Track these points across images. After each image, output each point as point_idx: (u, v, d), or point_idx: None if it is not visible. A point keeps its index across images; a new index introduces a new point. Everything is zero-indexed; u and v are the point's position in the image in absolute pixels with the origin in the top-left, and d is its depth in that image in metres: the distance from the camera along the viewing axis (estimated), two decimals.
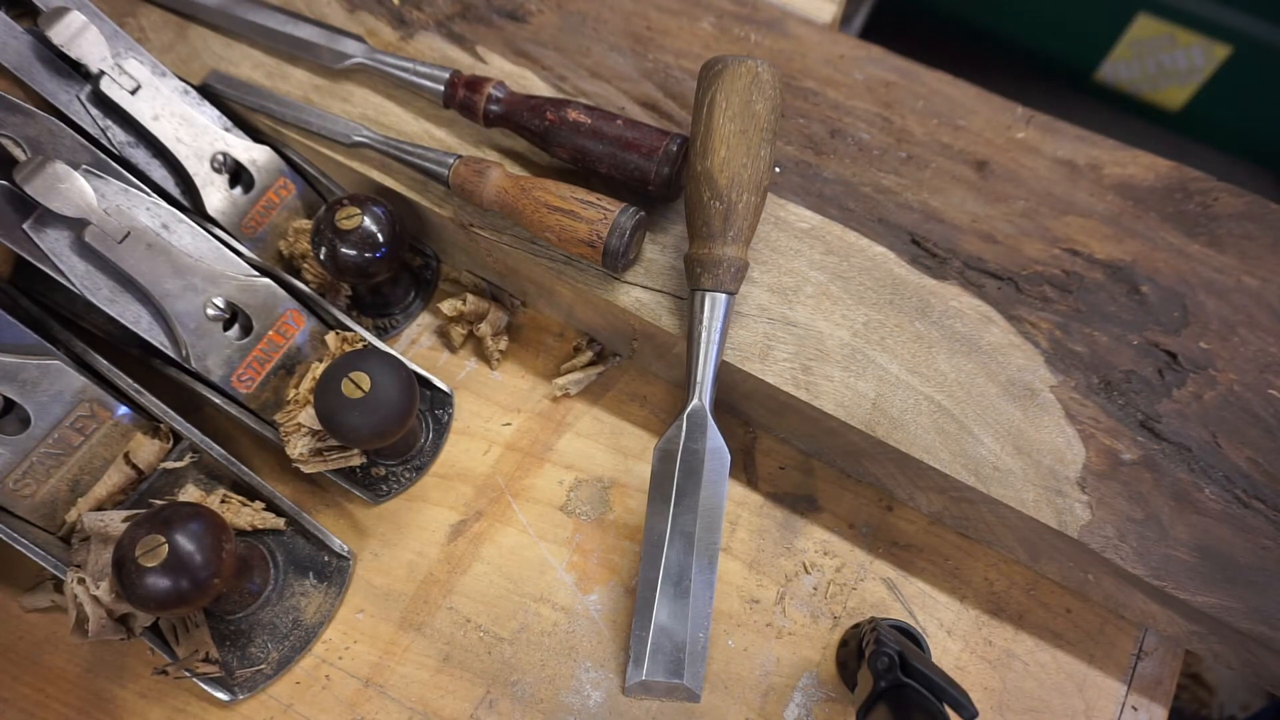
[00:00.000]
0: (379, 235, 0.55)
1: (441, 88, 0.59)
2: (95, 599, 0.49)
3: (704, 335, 0.50)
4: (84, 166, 0.54)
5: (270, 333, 0.56)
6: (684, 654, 0.49)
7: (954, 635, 0.54)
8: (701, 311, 0.50)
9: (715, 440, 0.50)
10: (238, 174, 0.61)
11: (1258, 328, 0.56)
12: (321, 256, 0.56)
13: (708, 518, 0.50)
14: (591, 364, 0.62)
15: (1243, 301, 0.57)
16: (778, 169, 0.61)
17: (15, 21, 0.58)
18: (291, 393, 0.56)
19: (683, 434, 0.50)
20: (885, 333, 0.54)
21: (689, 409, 0.51)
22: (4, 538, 0.50)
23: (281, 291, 0.57)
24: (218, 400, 0.56)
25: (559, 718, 0.52)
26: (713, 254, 0.50)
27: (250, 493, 0.55)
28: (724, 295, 0.50)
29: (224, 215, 0.60)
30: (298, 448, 0.54)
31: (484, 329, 0.62)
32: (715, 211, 0.50)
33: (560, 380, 0.61)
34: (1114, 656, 0.54)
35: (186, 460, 0.55)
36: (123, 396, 0.55)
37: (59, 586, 0.55)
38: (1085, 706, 0.52)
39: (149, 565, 0.45)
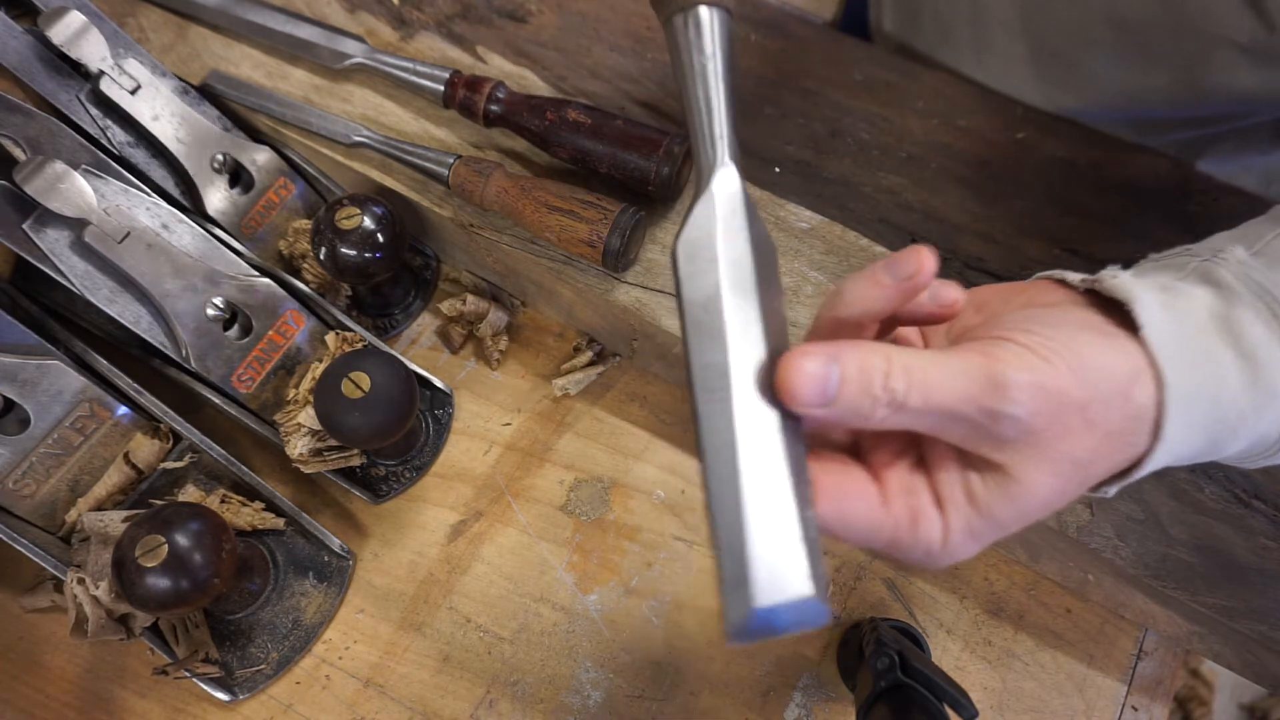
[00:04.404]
0: (379, 235, 0.55)
1: (441, 88, 0.59)
2: (95, 599, 0.49)
3: (706, 67, 0.35)
4: (84, 166, 0.54)
5: (270, 333, 0.56)
6: (804, 550, 0.29)
7: (954, 635, 0.54)
8: (692, 37, 0.35)
9: (758, 224, 0.33)
10: (238, 174, 0.61)
11: None
12: (321, 256, 0.56)
13: (776, 341, 0.31)
14: (591, 364, 0.62)
15: None
16: (777, 169, 0.61)
17: (15, 21, 0.58)
18: (291, 393, 0.56)
19: (716, 217, 0.32)
20: None
21: (714, 178, 0.33)
22: (4, 538, 0.50)
23: (281, 291, 0.57)
24: (218, 400, 0.56)
25: (559, 718, 0.52)
26: None
27: (250, 493, 0.55)
28: (718, 10, 0.36)
29: (224, 215, 0.60)
30: (297, 448, 0.54)
31: (484, 329, 0.62)
32: None
33: (560, 380, 0.61)
34: (1114, 657, 0.54)
35: (186, 460, 0.55)
36: (123, 396, 0.55)
37: (59, 587, 0.55)
38: (1085, 706, 0.52)
39: (149, 565, 0.45)
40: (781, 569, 0.28)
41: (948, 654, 0.54)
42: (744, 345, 0.31)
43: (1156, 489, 0.50)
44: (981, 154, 0.62)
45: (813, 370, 0.28)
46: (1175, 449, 0.32)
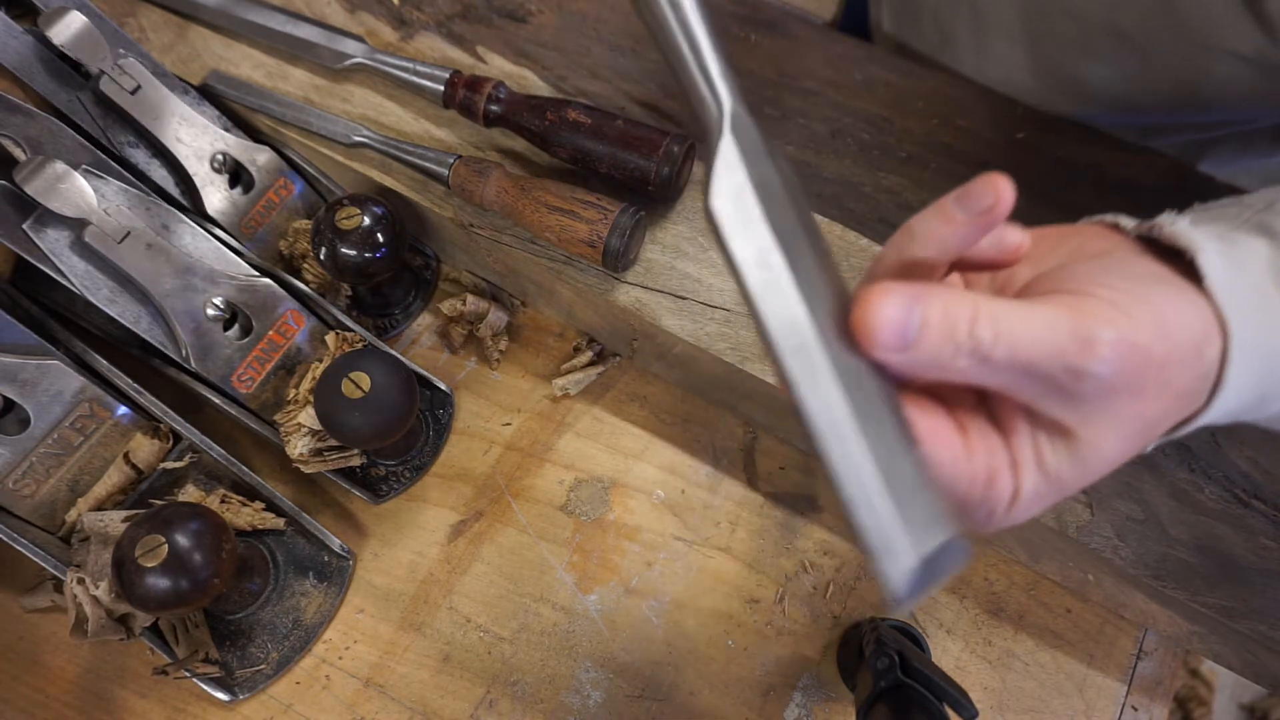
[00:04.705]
0: (379, 235, 0.55)
1: (441, 88, 0.59)
2: (95, 599, 0.49)
3: (681, 4, 0.30)
4: (84, 166, 0.54)
5: (270, 333, 0.56)
6: (934, 492, 0.28)
7: (954, 635, 0.54)
8: None
9: (781, 160, 0.30)
10: (238, 174, 0.61)
11: None
12: (321, 256, 0.56)
13: (837, 281, 0.29)
14: (591, 364, 0.62)
15: None
16: None
17: (15, 21, 0.58)
18: (291, 393, 0.56)
19: (742, 164, 0.29)
20: None
21: (725, 122, 0.30)
22: (4, 538, 0.50)
23: (281, 291, 0.57)
24: (218, 400, 0.56)
25: (559, 718, 0.52)
26: None
27: (250, 493, 0.55)
28: None
29: (224, 215, 0.60)
30: (298, 448, 0.54)
31: (484, 329, 0.62)
32: None
33: (560, 380, 0.61)
34: (1114, 657, 0.54)
35: (186, 460, 0.55)
36: (122, 396, 0.55)
37: (59, 587, 0.55)
38: (1085, 706, 0.52)
39: (149, 565, 0.45)
40: (921, 519, 0.27)
41: (948, 654, 0.54)
42: (812, 293, 0.28)
43: (1157, 489, 0.50)
44: (981, 154, 0.62)
45: (893, 312, 0.26)
46: (1229, 404, 0.31)
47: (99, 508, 0.54)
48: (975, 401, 0.31)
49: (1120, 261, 0.31)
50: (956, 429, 0.30)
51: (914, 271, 0.30)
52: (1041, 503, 0.30)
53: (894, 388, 0.29)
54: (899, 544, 0.27)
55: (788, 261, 0.28)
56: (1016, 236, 0.30)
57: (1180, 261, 0.31)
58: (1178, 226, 0.31)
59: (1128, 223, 0.33)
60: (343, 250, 0.55)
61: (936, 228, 0.29)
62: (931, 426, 0.29)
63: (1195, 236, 0.31)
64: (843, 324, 0.28)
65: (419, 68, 0.60)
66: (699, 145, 0.30)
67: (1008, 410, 0.30)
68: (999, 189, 0.27)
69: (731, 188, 0.29)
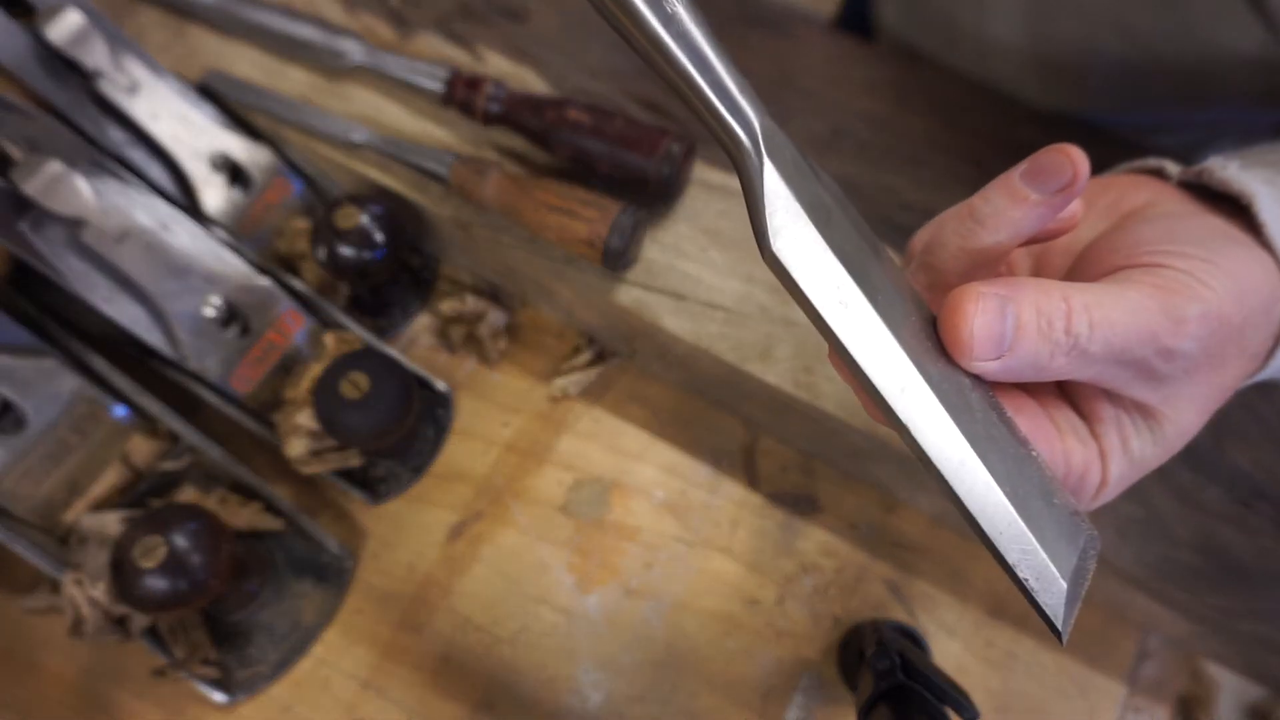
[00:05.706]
0: (377, 235, 0.55)
1: (440, 87, 0.59)
2: (92, 600, 0.49)
3: (678, 12, 0.28)
4: (81, 166, 0.54)
5: (269, 333, 0.56)
6: (1062, 495, 0.28)
7: (955, 636, 0.54)
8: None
9: (824, 175, 0.29)
10: (236, 173, 0.61)
11: None
12: (320, 256, 0.56)
13: (904, 285, 0.28)
14: (591, 364, 0.62)
15: None
16: None
17: (12, 20, 0.58)
18: (289, 393, 0.56)
19: (790, 193, 0.26)
20: None
21: (761, 145, 0.26)
22: (1, 539, 0.50)
23: (280, 291, 0.57)
24: (216, 400, 0.56)
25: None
26: None
27: (248, 493, 0.55)
28: None
29: (222, 215, 0.59)
30: (296, 449, 0.54)
31: (483, 329, 0.61)
32: None
33: (560, 381, 0.61)
34: (1116, 658, 0.53)
35: (184, 461, 0.55)
36: (120, 396, 0.55)
37: (56, 588, 0.54)
38: (1087, 708, 0.52)
39: (147, 566, 0.45)
40: (1056, 535, 0.26)
41: (949, 655, 0.54)
42: (895, 318, 0.26)
43: (1159, 489, 0.50)
44: (982, 153, 0.62)
45: (985, 319, 0.24)
46: None
47: (97, 508, 0.53)
48: (1056, 389, 0.30)
49: (1179, 220, 0.30)
50: (1052, 425, 0.29)
51: (981, 261, 0.27)
52: (1122, 487, 0.29)
53: (991, 392, 0.27)
54: (1047, 574, 0.26)
55: (864, 291, 0.26)
56: (1072, 204, 0.28)
57: (1231, 206, 0.30)
58: (1229, 171, 0.30)
59: (1172, 168, 0.32)
60: (341, 250, 0.55)
61: (1006, 209, 0.26)
62: (1032, 427, 0.28)
63: (1249, 182, 0.29)
64: (928, 336, 0.26)
65: (418, 67, 0.60)
66: (740, 179, 0.27)
67: (1089, 396, 0.29)
68: (1075, 160, 0.25)
69: (787, 222, 0.26)
